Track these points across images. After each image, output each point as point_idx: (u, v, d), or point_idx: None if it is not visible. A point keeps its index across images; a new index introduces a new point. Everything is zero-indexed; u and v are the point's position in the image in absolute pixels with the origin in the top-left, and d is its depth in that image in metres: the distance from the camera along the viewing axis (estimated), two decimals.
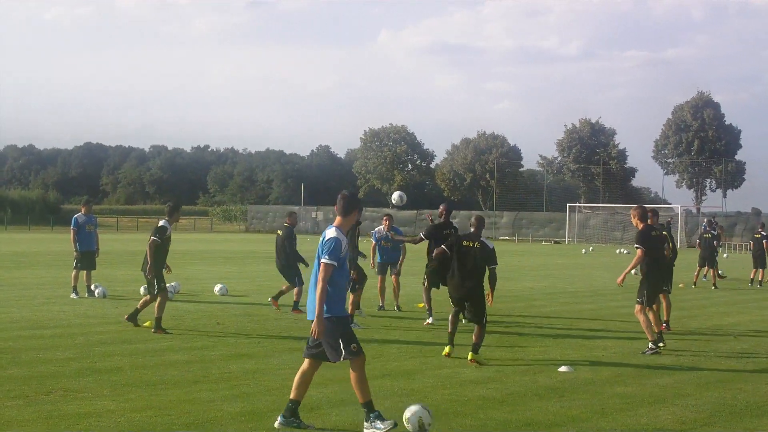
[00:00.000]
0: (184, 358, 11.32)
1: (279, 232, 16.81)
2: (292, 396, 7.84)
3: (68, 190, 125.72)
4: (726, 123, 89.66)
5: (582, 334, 14.41)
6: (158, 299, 13.73)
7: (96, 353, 11.49)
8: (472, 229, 11.86)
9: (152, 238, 13.71)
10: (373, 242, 17.58)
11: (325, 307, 7.59)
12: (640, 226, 13.13)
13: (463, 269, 11.55)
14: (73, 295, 18.46)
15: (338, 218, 7.93)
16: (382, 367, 10.96)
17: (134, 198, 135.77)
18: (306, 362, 7.92)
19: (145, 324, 14.32)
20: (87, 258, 18.94)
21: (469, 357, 11.41)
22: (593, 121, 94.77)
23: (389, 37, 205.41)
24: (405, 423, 7.65)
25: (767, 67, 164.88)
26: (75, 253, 18.95)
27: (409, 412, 7.70)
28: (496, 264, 11.61)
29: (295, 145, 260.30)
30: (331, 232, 7.73)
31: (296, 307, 16.33)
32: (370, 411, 7.65)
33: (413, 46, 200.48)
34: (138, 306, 14.26)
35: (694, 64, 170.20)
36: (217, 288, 19.79)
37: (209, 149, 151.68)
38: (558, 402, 9.09)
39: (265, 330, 14.07)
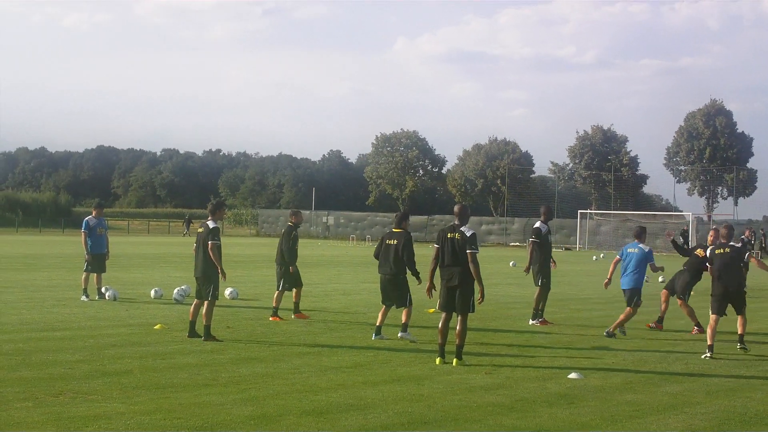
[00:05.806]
0: (194, 361, 11.34)
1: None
2: None
3: (79, 192, 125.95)
4: (738, 131, 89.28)
5: (592, 342, 14.37)
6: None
7: (106, 356, 11.53)
8: (456, 221, 11.93)
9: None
10: (618, 257, 15.34)
11: None
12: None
13: (449, 258, 11.70)
14: (83, 298, 18.53)
15: None
16: (391, 372, 10.97)
17: (145, 201, 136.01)
18: None
19: (155, 327, 14.37)
20: (97, 261, 19.05)
21: (454, 363, 11.57)
22: (605, 128, 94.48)
23: (405, 44, 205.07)
24: None
25: None
26: (86, 256, 19.05)
27: None
28: (476, 249, 11.63)
29: (307, 149, 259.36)
30: None
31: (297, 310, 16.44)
32: None
33: (429, 54, 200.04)
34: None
35: (709, 73, 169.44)
36: (227, 292, 19.79)
37: (221, 153, 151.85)
38: (567, 409, 9.06)
39: (274, 334, 14.08)
